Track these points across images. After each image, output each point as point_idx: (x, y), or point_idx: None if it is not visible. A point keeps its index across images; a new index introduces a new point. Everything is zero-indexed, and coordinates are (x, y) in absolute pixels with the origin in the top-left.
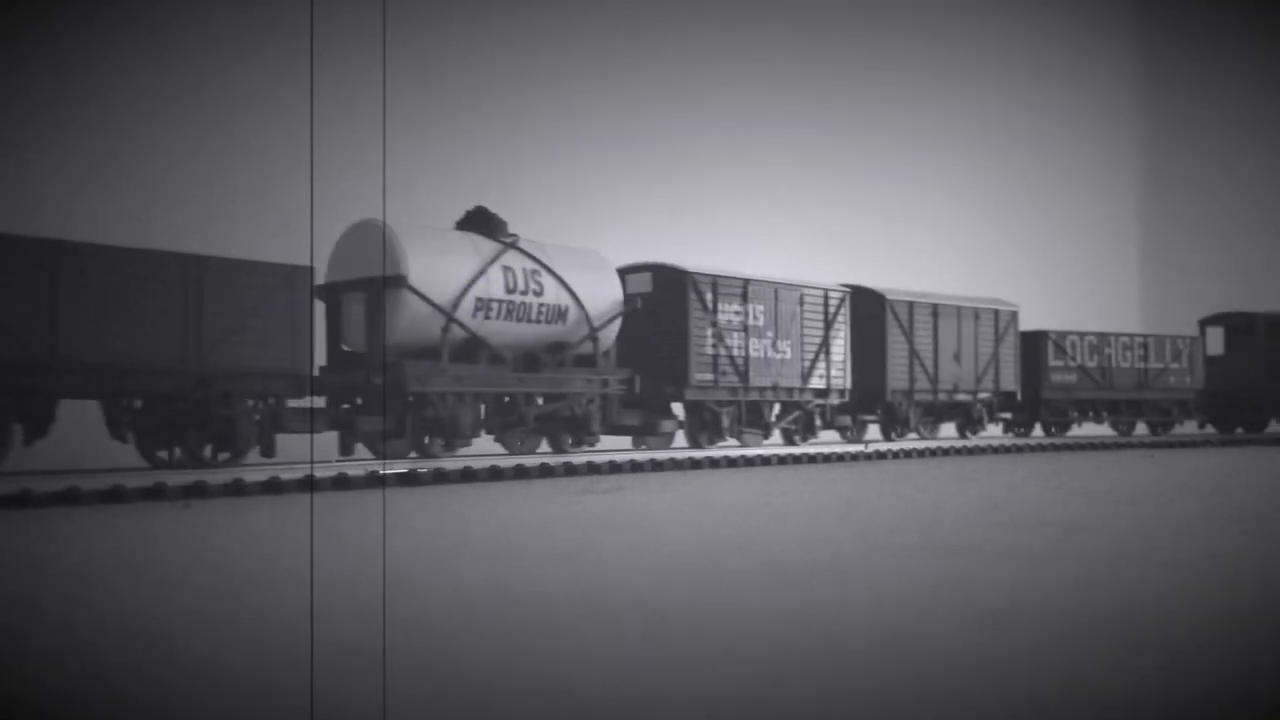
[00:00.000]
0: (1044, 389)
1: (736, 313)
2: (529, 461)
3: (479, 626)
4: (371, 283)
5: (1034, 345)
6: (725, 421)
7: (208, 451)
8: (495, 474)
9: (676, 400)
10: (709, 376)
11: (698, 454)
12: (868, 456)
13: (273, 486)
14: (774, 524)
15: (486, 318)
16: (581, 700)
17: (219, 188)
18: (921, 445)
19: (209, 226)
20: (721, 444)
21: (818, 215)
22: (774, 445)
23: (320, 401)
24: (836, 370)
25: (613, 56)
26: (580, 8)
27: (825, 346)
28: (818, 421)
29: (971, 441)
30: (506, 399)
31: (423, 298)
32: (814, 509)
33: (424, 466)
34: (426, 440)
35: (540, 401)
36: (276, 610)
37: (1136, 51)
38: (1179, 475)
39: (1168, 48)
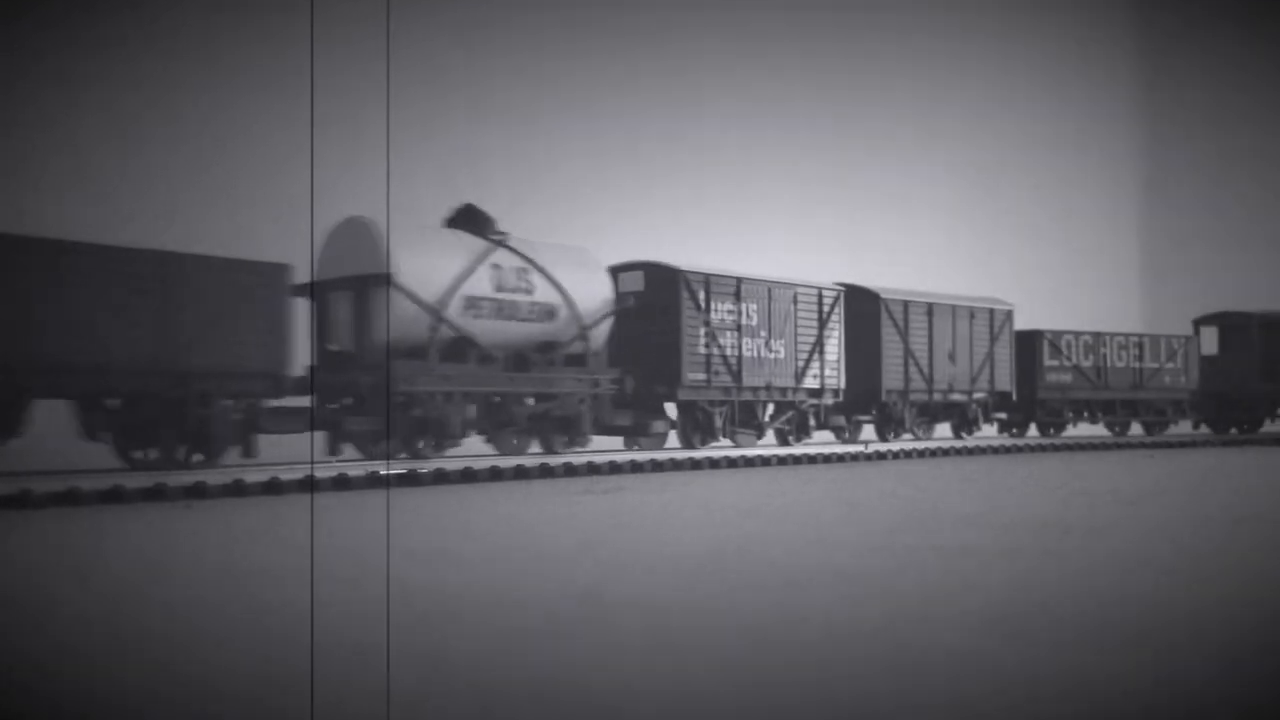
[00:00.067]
0: (1039, 389)
1: (730, 312)
2: (529, 462)
3: (479, 627)
4: (358, 281)
5: (1029, 345)
6: (718, 422)
7: (182, 453)
8: (495, 474)
9: (669, 400)
10: (702, 376)
11: (698, 454)
12: (868, 457)
13: (273, 487)
14: (774, 524)
15: (475, 316)
16: (582, 700)
17: (211, 184)
18: (921, 445)
19: (201, 224)
20: (715, 444)
21: (816, 214)
22: (772, 446)
23: (307, 401)
24: (831, 370)
25: (609, 55)
26: (577, 7)
27: (819, 346)
28: (811, 421)
29: (971, 442)
30: (496, 399)
31: (410, 296)
32: (814, 509)
33: (424, 467)
34: (420, 444)
35: (531, 401)
36: (277, 610)
37: (1136, 50)
38: (1179, 475)
39: (1167, 46)
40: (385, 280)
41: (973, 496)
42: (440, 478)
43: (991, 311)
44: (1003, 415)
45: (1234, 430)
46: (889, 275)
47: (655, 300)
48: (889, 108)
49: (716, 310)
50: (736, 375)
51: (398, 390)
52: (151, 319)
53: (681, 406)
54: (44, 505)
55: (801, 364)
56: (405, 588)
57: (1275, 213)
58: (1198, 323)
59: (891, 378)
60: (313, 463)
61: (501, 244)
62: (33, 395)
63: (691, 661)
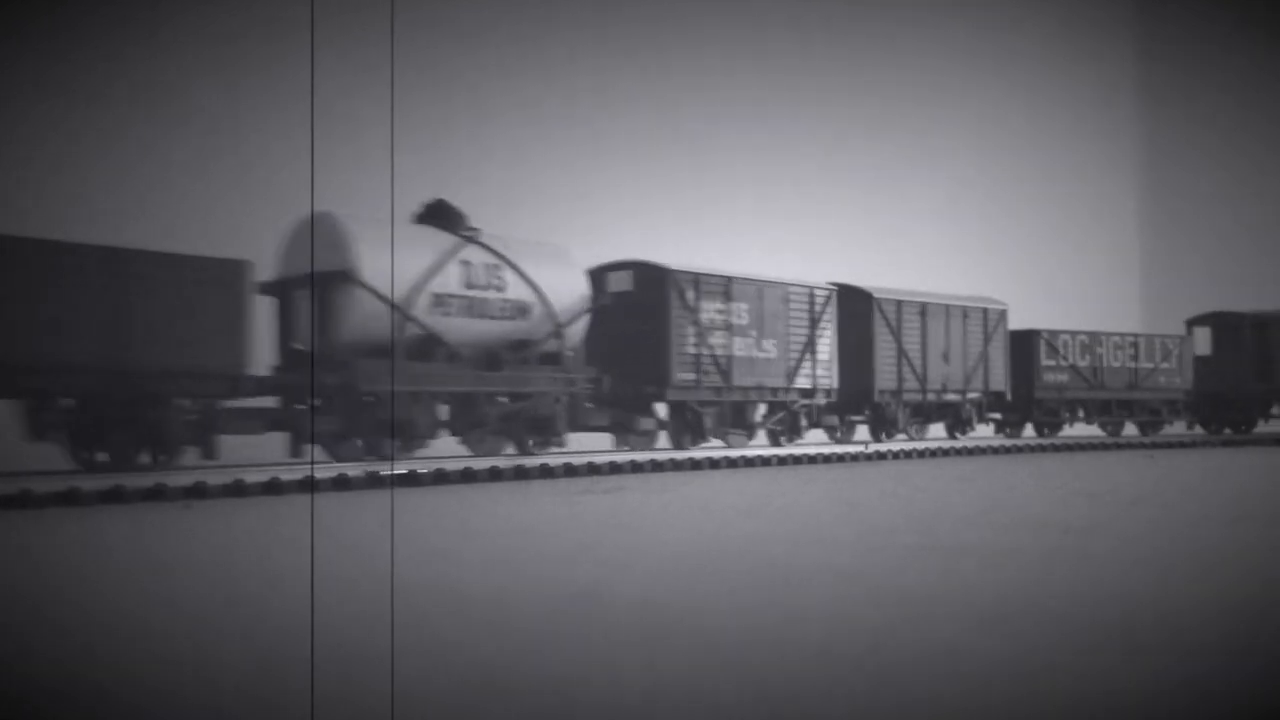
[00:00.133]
0: (1036, 388)
1: (719, 311)
2: (529, 462)
3: (479, 627)
4: (320, 278)
5: (1026, 344)
6: (708, 422)
7: (135, 454)
8: (495, 474)
9: (658, 400)
10: (691, 376)
11: (698, 454)
12: (868, 457)
13: (273, 487)
14: (774, 524)
15: (444, 314)
16: (582, 700)
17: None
18: (921, 445)
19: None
20: (705, 445)
21: (815, 214)
22: (773, 447)
23: (269, 402)
24: (823, 370)
25: (603, 54)
26: (570, 5)
27: (811, 345)
28: (803, 422)
29: (971, 442)
30: (467, 398)
31: (374, 293)
32: (814, 509)
33: (424, 467)
34: (388, 445)
35: (504, 400)
36: (278, 611)
37: (1134, 50)
38: (1179, 476)
39: (1166, 45)
40: (347, 278)
41: (972, 496)
42: (440, 478)
43: (985, 311)
44: (997, 415)
45: (1228, 431)
46: (890, 276)
47: (644, 299)
48: (886, 107)
49: (706, 310)
50: (726, 375)
51: (364, 390)
52: (103, 317)
53: (671, 407)
54: (44, 505)
55: (793, 364)
56: (405, 587)
57: (1275, 212)
58: (1190, 323)
59: (885, 378)
60: (313, 463)
61: (472, 240)
62: None
63: (692, 661)
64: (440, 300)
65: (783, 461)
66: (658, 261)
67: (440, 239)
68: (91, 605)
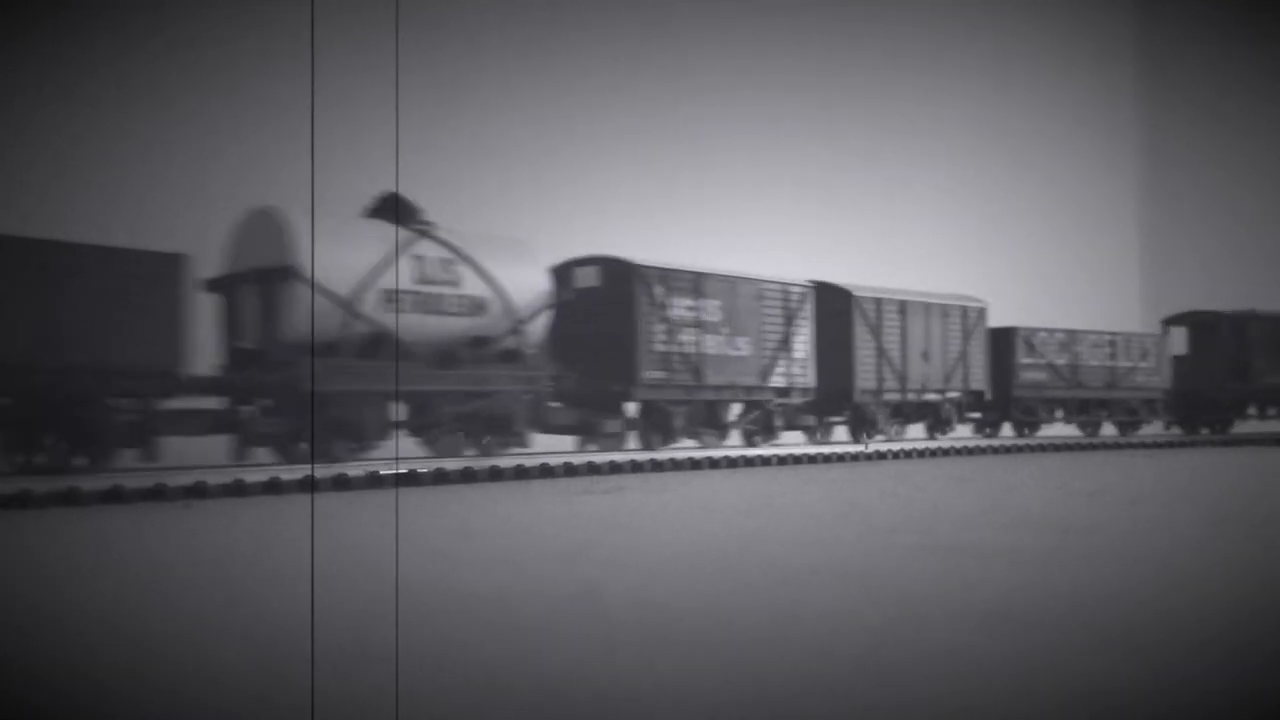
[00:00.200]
0: (1014, 387)
1: (689, 308)
2: (529, 462)
3: (480, 627)
4: (263, 274)
5: (1004, 342)
6: (678, 421)
7: (64, 456)
8: (495, 474)
9: (626, 400)
10: (660, 374)
11: (697, 454)
12: (868, 457)
13: (273, 487)
14: (774, 524)
15: (397, 311)
16: (582, 700)
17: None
18: (921, 445)
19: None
20: (675, 445)
21: (813, 213)
22: (773, 447)
23: (210, 403)
24: (799, 368)
25: (597, 54)
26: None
27: (787, 343)
28: (778, 422)
29: (971, 442)
30: (421, 398)
31: (320, 289)
32: (814, 509)
33: (424, 467)
34: (339, 447)
35: (462, 400)
36: (278, 611)
37: (1133, 50)
38: (1178, 475)
39: (1166, 45)
40: (289, 273)
41: (972, 496)
42: (440, 478)
43: (964, 309)
44: (977, 415)
45: (1204, 431)
46: (889, 277)
47: (610, 295)
48: (885, 106)
49: (675, 306)
50: (698, 373)
51: (310, 390)
52: (27, 312)
53: (641, 406)
54: (44, 505)
55: (768, 362)
56: (405, 586)
57: (1275, 212)
58: (1167, 322)
59: (865, 377)
60: (313, 463)
61: (426, 234)
62: None
63: (692, 661)
64: (390, 296)
65: (783, 461)
66: (625, 257)
67: (390, 233)
68: (91, 605)
